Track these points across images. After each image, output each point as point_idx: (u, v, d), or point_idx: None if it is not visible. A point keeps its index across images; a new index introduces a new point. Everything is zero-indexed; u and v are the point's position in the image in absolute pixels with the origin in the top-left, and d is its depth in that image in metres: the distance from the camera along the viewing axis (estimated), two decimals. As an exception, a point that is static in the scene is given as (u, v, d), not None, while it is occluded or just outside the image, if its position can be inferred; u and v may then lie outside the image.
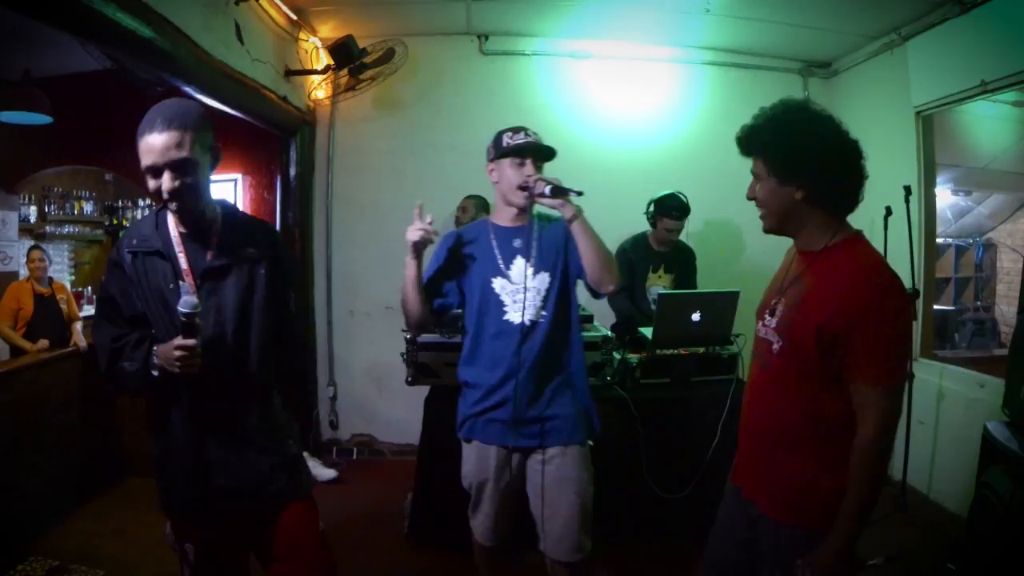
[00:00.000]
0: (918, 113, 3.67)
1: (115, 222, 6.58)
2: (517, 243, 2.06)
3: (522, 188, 1.98)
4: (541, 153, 2.03)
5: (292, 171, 4.17)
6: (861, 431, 1.35)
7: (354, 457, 4.32)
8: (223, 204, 1.72)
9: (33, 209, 5.59)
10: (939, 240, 4.63)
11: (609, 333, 2.96)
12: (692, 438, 2.84)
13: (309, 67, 4.08)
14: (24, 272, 4.39)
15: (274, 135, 4.06)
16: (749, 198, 1.53)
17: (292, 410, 1.84)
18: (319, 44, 4.16)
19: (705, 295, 3.17)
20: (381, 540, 3.10)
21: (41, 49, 3.75)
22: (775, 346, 1.48)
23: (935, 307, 4.14)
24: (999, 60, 3.07)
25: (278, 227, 4.23)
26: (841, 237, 1.45)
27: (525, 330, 2.00)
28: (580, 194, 1.87)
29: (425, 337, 2.93)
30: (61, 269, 5.96)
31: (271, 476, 1.67)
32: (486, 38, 4.29)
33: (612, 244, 2.93)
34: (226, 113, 3.28)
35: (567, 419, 2.03)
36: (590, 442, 2.09)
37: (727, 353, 3.06)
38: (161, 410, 1.63)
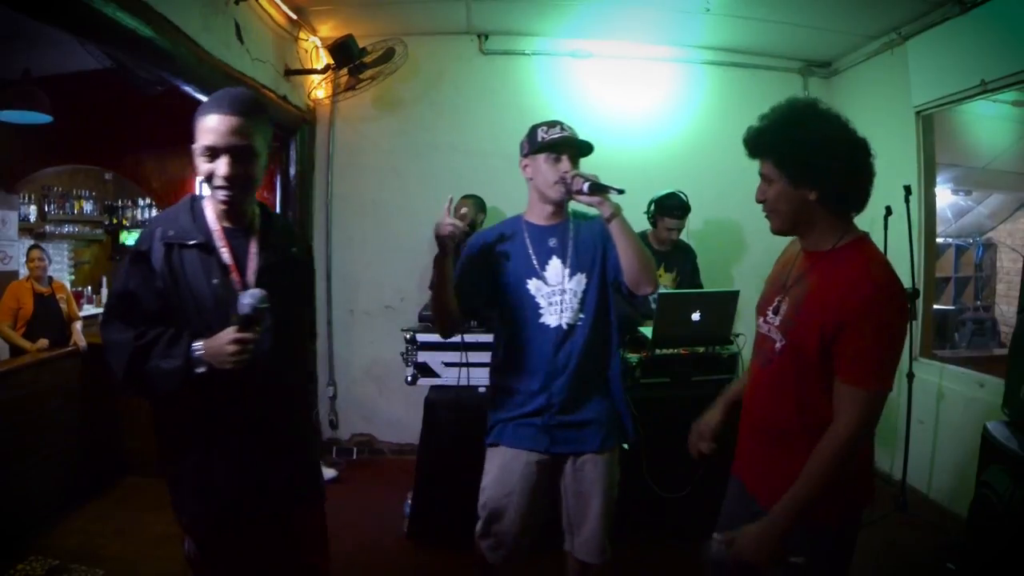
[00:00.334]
0: (918, 113, 3.67)
1: (115, 221, 6.60)
2: (552, 242, 1.98)
3: (558, 184, 1.90)
4: (578, 148, 1.94)
5: (292, 170, 4.17)
6: (833, 427, 1.36)
7: (354, 457, 4.32)
8: (258, 203, 1.65)
9: (33, 208, 5.60)
10: (939, 240, 4.63)
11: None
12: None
13: (309, 66, 4.08)
14: (24, 271, 4.39)
15: (274, 135, 4.05)
16: (759, 200, 1.51)
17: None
18: (319, 43, 4.16)
19: (705, 295, 3.17)
20: (381, 540, 3.10)
21: (41, 48, 3.74)
22: (777, 344, 1.49)
23: (935, 307, 4.14)
24: (999, 60, 3.07)
25: (278, 226, 4.22)
26: (849, 239, 1.45)
27: (562, 334, 1.93)
28: (621, 192, 1.80)
29: (425, 336, 2.93)
30: (61, 268, 5.97)
31: (298, 478, 1.64)
32: (486, 37, 4.29)
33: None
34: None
35: (603, 424, 1.97)
36: (625, 445, 2.06)
37: (727, 353, 3.06)
38: (189, 416, 1.52)
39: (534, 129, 1.97)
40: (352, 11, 3.91)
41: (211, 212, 1.54)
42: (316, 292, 4.26)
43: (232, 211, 1.53)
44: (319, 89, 4.17)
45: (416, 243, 4.11)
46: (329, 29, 4.09)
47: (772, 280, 1.64)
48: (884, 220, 3.47)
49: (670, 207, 3.36)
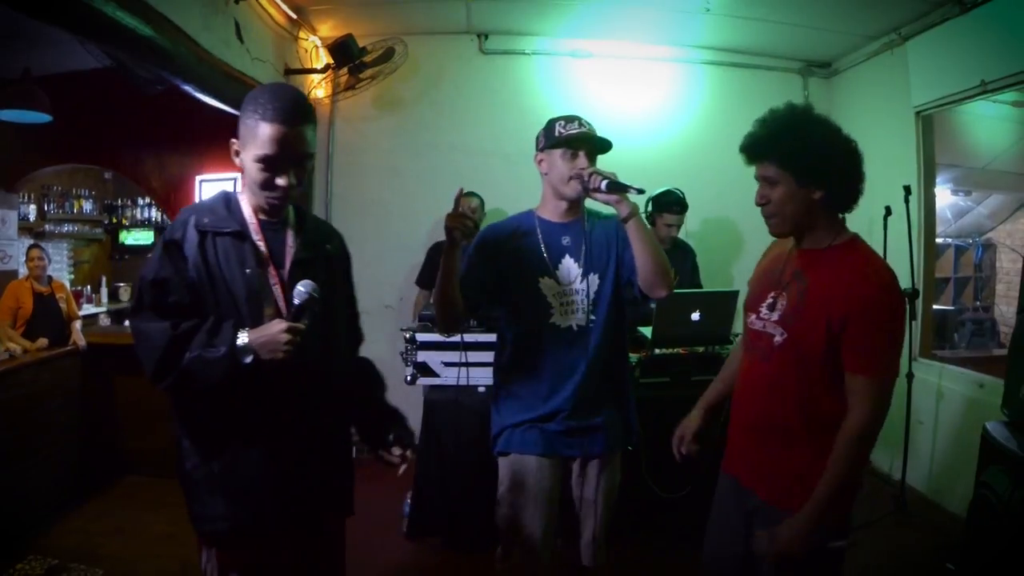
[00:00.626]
0: (918, 113, 3.67)
1: (114, 221, 6.60)
2: (566, 241, 1.92)
3: (575, 180, 1.84)
4: (595, 145, 1.88)
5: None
6: (852, 418, 1.41)
7: (353, 456, 4.30)
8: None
9: (32, 208, 5.59)
10: (939, 240, 4.63)
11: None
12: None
13: (309, 66, 4.08)
14: (23, 271, 4.38)
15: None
16: (761, 203, 1.54)
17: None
18: (319, 43, 4.16)
19: (704, 295, 3.17)
20: (380, 539, 3.10)
21: (41, 48, 3.74)
22: (777, 339, 1.52)
23: (934, 307, 4.14)
24: (999, 60, 3.07)
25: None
26: (844, 238, 1.53)
27: (573, 336, 1.87)
28: (641, 192, 1.75)
29: (425, 336, 2.93)
30: (60, 268, 5.97)
31: (333, 485, 1.61)
32: (486, 37, 4.29)
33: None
34: (225, 112, 3.28)
35: (611, 428, 1.94)
36: (629, 447, 2.03)
37: (727, 352, 3.06)
38: (220, 414, 1.44)
39: (551, 123, 1.91)
40: (352, 10, 3.91)
41: (247, 206, 1.51)
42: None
43: (276, 210, 1.51)
44: (319, 88, 4.16)
45: (416, 243, 4.11)
46: (329, 28, 4.09)
47: (761, 278, 1.67)
48: (884, 220, 3.47)
49: (667, 203, 3.36)
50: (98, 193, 6.41)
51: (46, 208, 5.76)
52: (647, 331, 3.01)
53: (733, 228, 4.31)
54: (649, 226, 1.84)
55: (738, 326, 3.06)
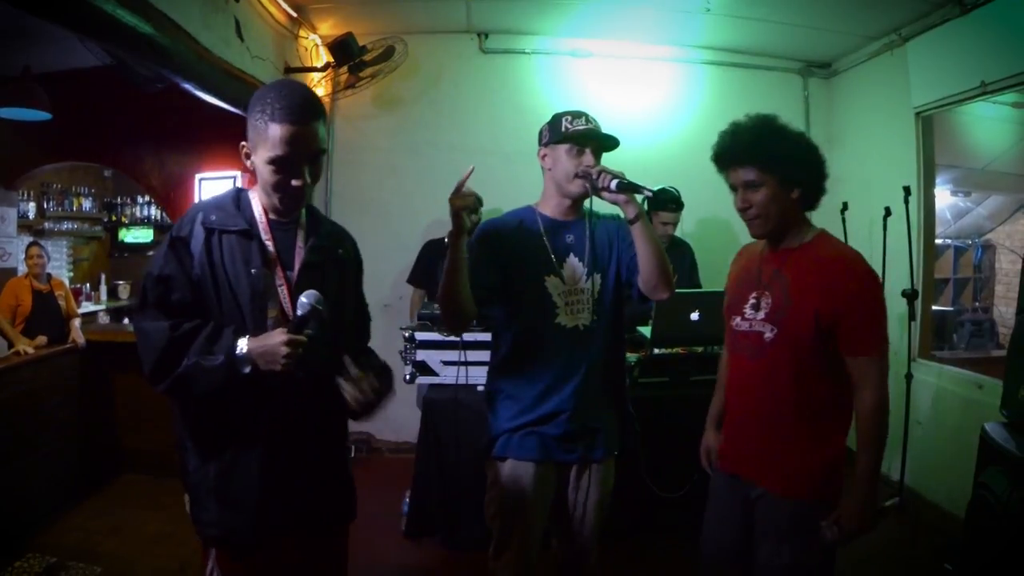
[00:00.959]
0: (918, 114, 3.67)
1: (114, 218, 6.59)
2: (570, 239, 1.88)
3: (581, 177, 1.79)
4: (602, 142, 1.84)
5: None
6: (867, 395, 1.54)
7: (352, 455, 4.30)
8: None
9: (32, 205, 5.59)
10: (938, 241, 4.63)
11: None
12: (690, 437, 2.83)
13: (309, 64, 4.08)
14: (23, 268, 4.38)
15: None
16: (744, 208, 1.61)
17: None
18: (319, 41, 4.16)
19: (704, 294, 3.17)
20: (379, 538, 3.09)
21: (41, 45, 3.73)
22: (767, 335, 1.60)
23: (933, 308, 4.14)
24: (999, 61, 3.07)
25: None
26: (814, 234, 1.64)
27: (578, 336, 1.83)
28: (651, 193, 1.71)
29: (423, 335, 2.92)
30: (60, 265, 5.96)
31: (336, 491, 1.59)
32: (486, 36, 4.29)
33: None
34: (225, 110, 3.28)
35: (610, 430, 1.92)
36: (615, 452, 1.99)
37: (726, 353, 3.06)
38: (225, 416, 1.42)
39: (557, 118, 1.86)
40: (352, 9, 3.91)
41: (258, 205, 1.48)
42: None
43: (290, 210, 1.48)
44: (319, 87, 4.16)
45: (415, 242, 4.10)
46: (329, 27, 4.09)
47: (737, 283, 1.76)
48: (883, 221, 3.47)
49: (663, 201, 3.38)
50: (98, 191, 6.41)
51: (45, 206, 5.75)
52: (646, 331, 3.02)
53: (732, 228, 4.31)
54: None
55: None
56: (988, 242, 5.81)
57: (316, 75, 4.11)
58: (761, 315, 1.63)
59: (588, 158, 1.81)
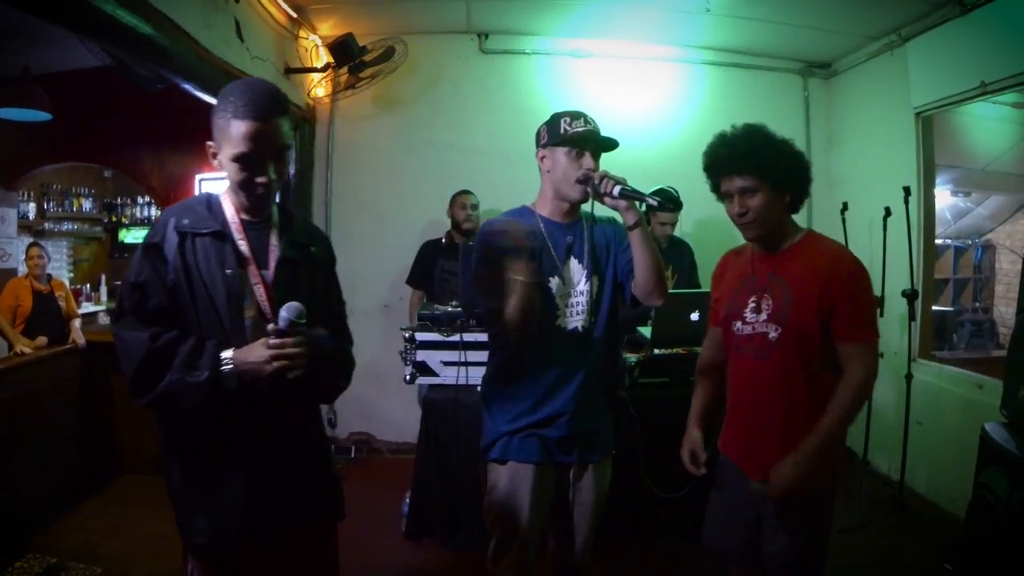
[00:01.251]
0: (918, 114, 3.67)
1: (114, 219, 6.59)
2: (569, 240, 1.88)
3: (583, 182, 1.78)
4: (602, 144, 1.82)
5: (291, 169, 4.16)
6: (853, 374, 1.60)
7: (352, 456, 4.31)
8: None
9: (32, 206, 5.59)
10: (938, 241, 4.63)
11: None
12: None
13: (309, 65, 4.08)
14: (23, 269, 4.38)
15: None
16: (740, 213, 1.67)
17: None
18: (319, 42, 4.16)
19: (704, 294, 3.15)
20: (379, 539, 3.09)
21: (41, 46, 3.73)
22: (772, 335, 1.66)
23: (934, 308, 4.14)
24: (999, 61, 3.07)
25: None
26: (802, 234, 1.73)
27: (577, 338, 1.84)
28: (655, 203, 1.72)
29: (423, 335, 2.93)
30: (60, 266, 5.96)
31: (318, 492, 1.58)
32: (486, 36, 4.29)
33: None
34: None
35: (609, 432, 1.94)
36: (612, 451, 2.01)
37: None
38: (202, 423, 1.41)
39: (556, 119, 1.83)
40: (352, 10, 3.91)
41: (230, 206, 1.49)
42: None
43: (259, 208, 1.49)
44: (319, 87, 4.16)
45: (415, 242, 4.11)
46: (329, 27, 4.09)
47: (732, 290, 1.81)
48: (883, 221, 3.47)
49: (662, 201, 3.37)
50: (98, 191, 6.41)
51: (46, 206, 5.75)
52: (646, 331, 3.02)
53: (732, 228, 4.28)
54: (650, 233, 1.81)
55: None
56: (988, 242, 5.81)
57: (316, 76, 4.11)
58: (763, 316, 1.68)
59: (588, 161, 1.80)
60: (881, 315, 3.50)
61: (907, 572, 2.91)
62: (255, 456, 1.44)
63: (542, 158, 1.88)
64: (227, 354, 1.35)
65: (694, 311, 2.89)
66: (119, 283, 6.35)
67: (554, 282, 1.85)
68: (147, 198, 6.41)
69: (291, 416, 1.49)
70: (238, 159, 1.38)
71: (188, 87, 2.86)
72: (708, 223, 4.22)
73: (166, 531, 2.96)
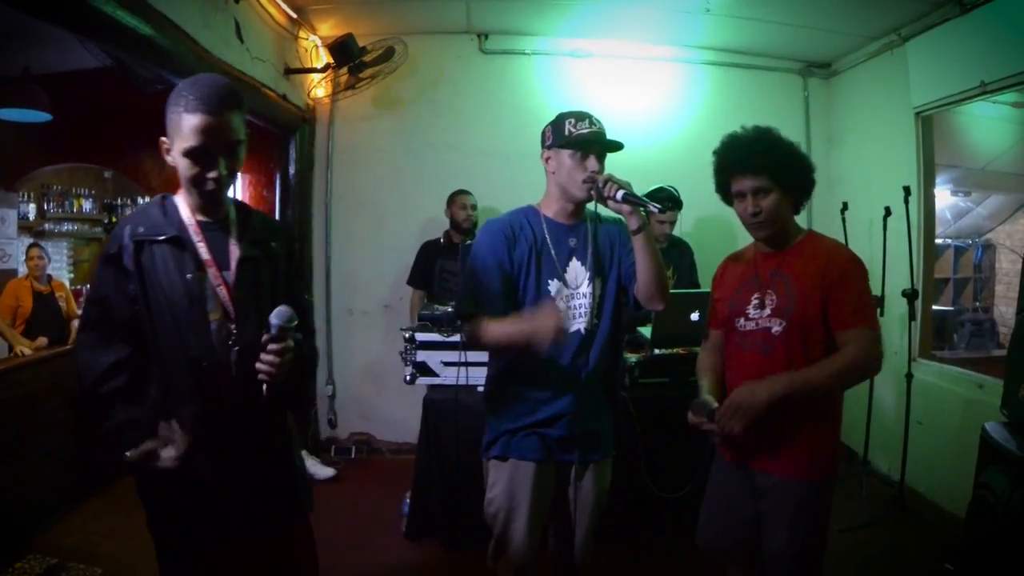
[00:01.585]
0: (918, 114, 3.67)
1: (114, 220, 6.57)
2: (573, 242, 1.88)
3: (588, 184, 1.78)
4: (607, 146, 1.82)
5: (291, 169, 4.16)
6: (848, 349, 1.64)
7: (352, 456, 4.32)
8: (232, 199, 1.58)
9: (32, 207, 5.57)
10: (938, 241, 4.63)
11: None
12: (690, 438, 2.83)
13: (309, 65, 4.08)
14: (23, 270, 4.38)
15: (273, 133, 4.05)
16: (753, 213, 1.71)
17: (298, 415, 1.74)
18: (319, 42, 4.16)
19: (704, 294, 3.15)
20: (379, 539, 3.10)
21: (41, 46, 3.74)
22: (775, 329, 1.71)
23: (934, 308, 4.14)
24: (999, 61, 3.07)
25: (277, 225, 4.22)
26: (803, 234, 1.80)
27: (580, 340, 1.85)
28: (656, 209, 1.73)
29: (424, 336, 2.93)
30: (60, 267, 5.95)
31: (284, 488, 1.58)
32: (486, 37, 4.29)
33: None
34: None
35: (609, 432, 1.95)
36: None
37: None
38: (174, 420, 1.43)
39: (561, 120, 1.83)
40: (352, 10, 3.90)
41: (185, 207, 1.48)
42: (313, 289, 4.32)
43: (214, 206, 1.48)
44: (319, 88, 4.16)
45: (415, 242, 4.11)
46: (329, 28, 4.09)
47: (733, 289, 1.85)
48: (883, 221, 3.47)
49: (659, 199, 3.39)
50: (98, 192, 6.39)
51: (46, 207, 5.74)
52: (647, 331, 3.02)
53: (732, 228, 4.29)
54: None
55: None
56: (988, 242, 5.80)
57: (316, 76, 4.11)
58: (767, 312, 1.74)
59: (592, 163, 1.79)
60: (881, 315, 3.50)
61: (907, 572, 2.91)
62: (223, 455, 1.45)
63: (547, 159, 1.88)
64: (147, 445, 1.39)
65: (694, 311, 2.89)
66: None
67: (553, 284, 1.85)
68: (147, 199, 6.41)
69: (259, 412, 1.49)
70: (189, 153, 1.38)
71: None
72: (708, 223, 4.22)
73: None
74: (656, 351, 2.99)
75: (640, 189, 1.82)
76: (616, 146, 1.83)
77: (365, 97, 4.19)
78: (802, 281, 1.70)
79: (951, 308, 5.55)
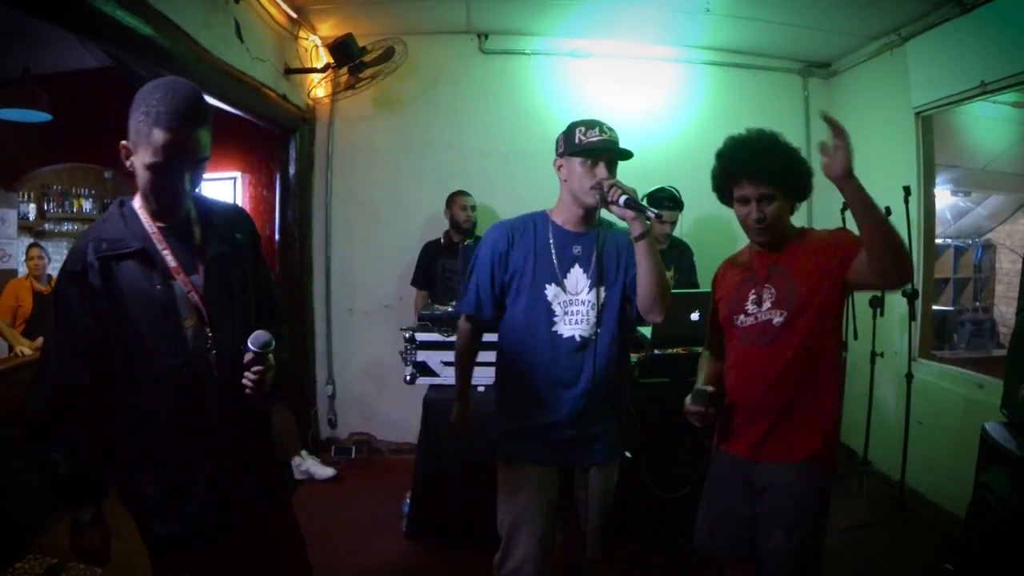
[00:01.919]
0: (918, 114, 3.67)
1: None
2: (577, 250, 1.90)
3: (595, 189, 1.80)
4: (616, 154, 1.84)
5: (291, 169, 4.17)
6: None
7: (352, 456, 4.32)
8: None
9: (32, 207, 5.59)
10: (938, 241, 4.63)
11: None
12: (690, 438, 2.84)
13: (309, 65, 4.08)
14: (23, 270, 4.38)
15: (274, 133, 4.06)
16: (758, 219, 1.73)
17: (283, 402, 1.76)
18: (319, 42, 4.16)
19: (704, 294, 3.15)
20: (379, 539, 3.10)
21: (41, 46, 3.74)
22: (776, 320, 1.73)
23: (934, 308, 4.14)
24: (999, 61, 3.07)
25: (277, 225, 4.23)
26: (797, 231, 1.83)
27: (575, 345, 1.87)
28: (657, 216, 1.74)
29: (424, 336, 2.93)
30: (60, 267, 5.96)
31: (268, 478, 1.61)
32: (486, 37, 4.29)
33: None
34: (225, 111, 3.28)
35: (612, 437, 1.95)
36: (628, 454, 2.04)
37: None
38: (148, 430, 1.44)
39: (572, 128, 1.86)
40: (352, 10, 3.90)
41: (144, 213, 1.44)
42: (313, 289, 4.32)
43: (175, 212, 1.45)
44: (319, 88, 4.16)
45: (415, 242, 4.11)
46: (329, 28, 4.09)
47: (731, 289, 1.87)
48: (883, 221, 3.46)
49: (660, 199, 3.42)
50: (98, 192, 6.40)
51: (46, 207, 5.75)
52: (647, 331, 3.02)
53: (732, 228, 4.27)
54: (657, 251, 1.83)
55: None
56: (988, 242, 5.80)
57: (316, 76, 4.11)
58: (767, 305, 1.76)
59: (601, 171, 1.81)
60: (881, 315, 3.51)
61: (907, 572, 2.91)
62: (205, 449, 1.46)
63: (559, 167, 1.91)
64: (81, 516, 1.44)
65: (694, 311, 2.89)
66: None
67: (551, 289, 1.88)
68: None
69: (238, 409, 1.49)
70: (152, 168, 1.35)
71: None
72: (708, 223, 4.22)
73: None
74: (656, 351, 2.99)
75: (641, 190, 1.83)
76: (625, 155, 1.86)
77: (365, 97, 4.19)
78: (801, 270, 1.73)
79: (951, 308, 5.54)
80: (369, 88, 4.03)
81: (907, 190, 3.34)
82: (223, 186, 4.42)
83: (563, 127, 1.94)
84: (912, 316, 3.41)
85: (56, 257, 5.78)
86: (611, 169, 1.83)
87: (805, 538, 1.68)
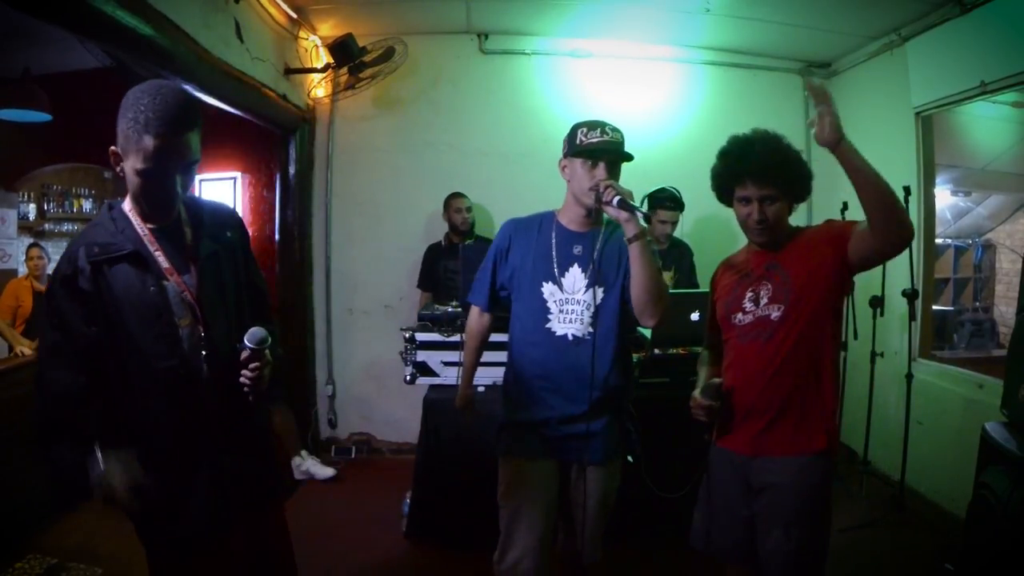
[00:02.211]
0: (918, 114, 3.67)
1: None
2: (577, 250, 1.92)
3: (592, 190, 1.82)
4: (617, 155, 1.86)
5: (291, 169, 4.17)
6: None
7: (352, 456, 4.32)
8: None
9: (32, 207, 5.58)
10: (938, 241, 4.63)
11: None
12: (690, 438, 2.84)
13: (309, 65, 4.08)
14: (23, 270, 4.38)
15: (274, 133, 4.06)
16: (760, 220, 1.74)
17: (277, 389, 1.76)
18: (319, 42, 4.16)
19: (704, 294, 3.16)
20: (379, 539, 3.10)
21: (41, 46, 3.74)
22: (774, 315, 1.73)
23: (934, 308, 4.14)
24: (999, 61, 3.07)
25: (277, 225, 4.23)
26: (792, 231, 1.83)
27: (568, 344, 1.88)
28: (647, 217, 1.75)
29: (424, 336, 2.93)
30: (60, 267, 5.96)
31: (265, 477, 1.61)
32: (486, 37, 4.29)
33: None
34: (225, 111, 3.28)
35: (608, 437, 1.94)
36: (629, 458, 2.04)
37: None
38: (147, 431, 1.44)
39: (575, 130, 1.89)
40: (352, 10, 3.90)
41: (135, 216, 1.44)
42: (313, 289, 4.32)
43: (166, 215, 1.46)
44: (319, 88, 4.17)
45: (415, 242, 4.12)
46: (329, 28, 4.09)
47: (729, 288, 1.88)
48: (883, 221, 3.46)
49: (661, 199, 3.42)
50: (98, 192, 6.40)
51: (46, 207, 5.75)
52: (647, 331, 3.01)
53: (732, 228, 4.27)
54: (656, 256, 1.84)
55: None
56: (988, 242, 5.80)
57: (316, 76, 4.11)
58: (764, 302, 1.77)
59: (600, 172, 1.83)
60: (881, 315, 3.51)
61: (907, 572, 2.91)
62: (202, 448, 1.47)
63: (563, 168, 1.94)
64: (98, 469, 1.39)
65: (694, 311, 2.90)
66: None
67: (547, 287, 1.92)
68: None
69: (232, 407, 1.50)
70: (143, 173, 1.35)
71: (188, 88, 2.86)
72: (708, 223, 4.22)
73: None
74: (656, 351, 2.99)
75: (641, 190, 1.85)
76: (626, 157, 1.87)
77: (365, 97, 4.19)
78: (797, 266, 1.74)
79: (951, 308, 5.55)
80: (369, 88, 4.03)
81: (907, 190, 3.34)
82: (223, 186, 4.42)
83: (563, 127, 1.96)
84: (912, 316, 3.41)
85: (56, 257, 5.79)
86: (612, 170, 1.84)
87: (804, 538, 1.67)
